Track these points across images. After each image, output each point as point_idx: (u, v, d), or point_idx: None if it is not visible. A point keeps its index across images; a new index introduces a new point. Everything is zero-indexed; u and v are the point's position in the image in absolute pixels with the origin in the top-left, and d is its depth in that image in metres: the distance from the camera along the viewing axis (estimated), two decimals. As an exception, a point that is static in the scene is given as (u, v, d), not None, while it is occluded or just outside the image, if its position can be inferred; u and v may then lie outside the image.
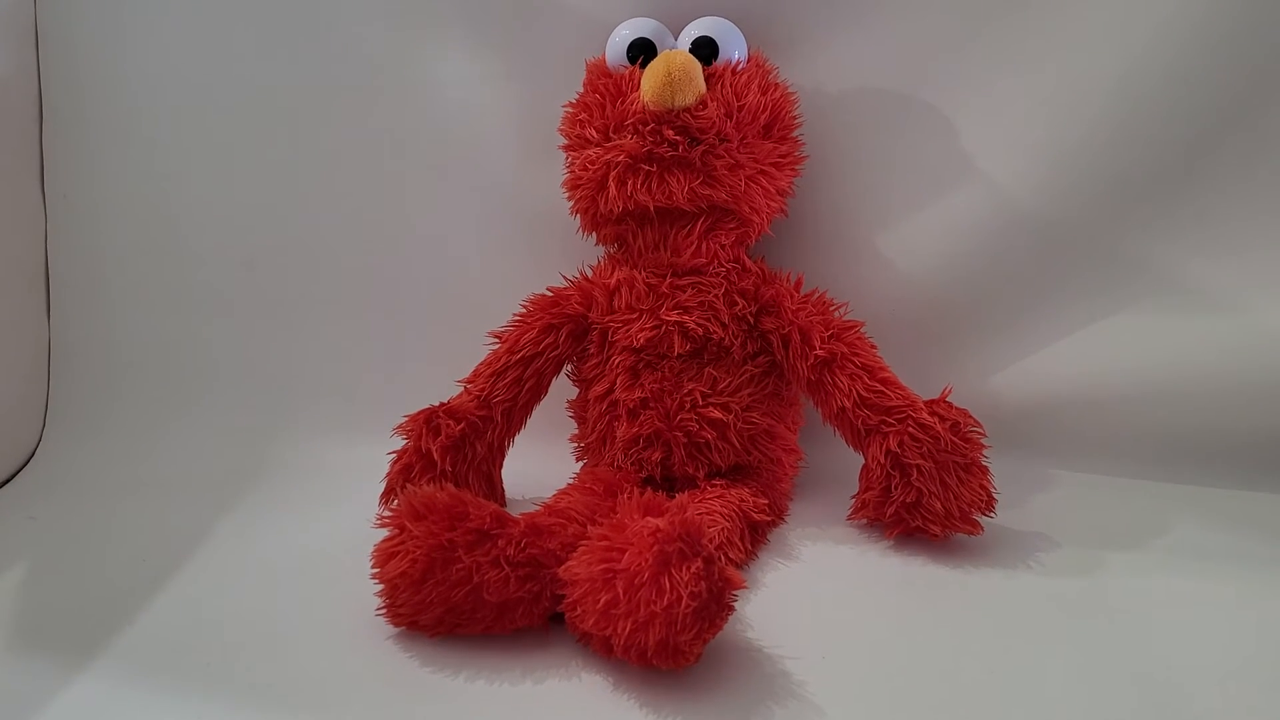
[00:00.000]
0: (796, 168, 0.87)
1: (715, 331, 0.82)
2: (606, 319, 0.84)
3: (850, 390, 0.80)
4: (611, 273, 0.86)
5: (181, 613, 0.71)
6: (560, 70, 0.90)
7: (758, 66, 0.85)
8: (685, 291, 0.83)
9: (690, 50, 0.83)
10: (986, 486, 0.77)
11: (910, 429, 0.77)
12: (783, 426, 0.86)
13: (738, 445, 0.83)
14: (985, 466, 0.77)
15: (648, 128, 0.80)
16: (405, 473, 0.83)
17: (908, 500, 0.77)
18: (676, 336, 0.82)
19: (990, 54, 0.90)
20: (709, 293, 0.83)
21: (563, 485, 0.82)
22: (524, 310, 0.87)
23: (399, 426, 0.84)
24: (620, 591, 0.58)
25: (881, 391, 0.80)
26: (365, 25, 0.97)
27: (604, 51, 0.86)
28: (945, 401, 0.79)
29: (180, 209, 1.01)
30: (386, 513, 0.67)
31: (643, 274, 0.84)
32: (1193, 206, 0.89)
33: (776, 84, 0.85)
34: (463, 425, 0.83)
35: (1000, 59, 0.89)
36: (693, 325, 0.81)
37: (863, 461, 0.81)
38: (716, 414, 0.81)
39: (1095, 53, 0.87)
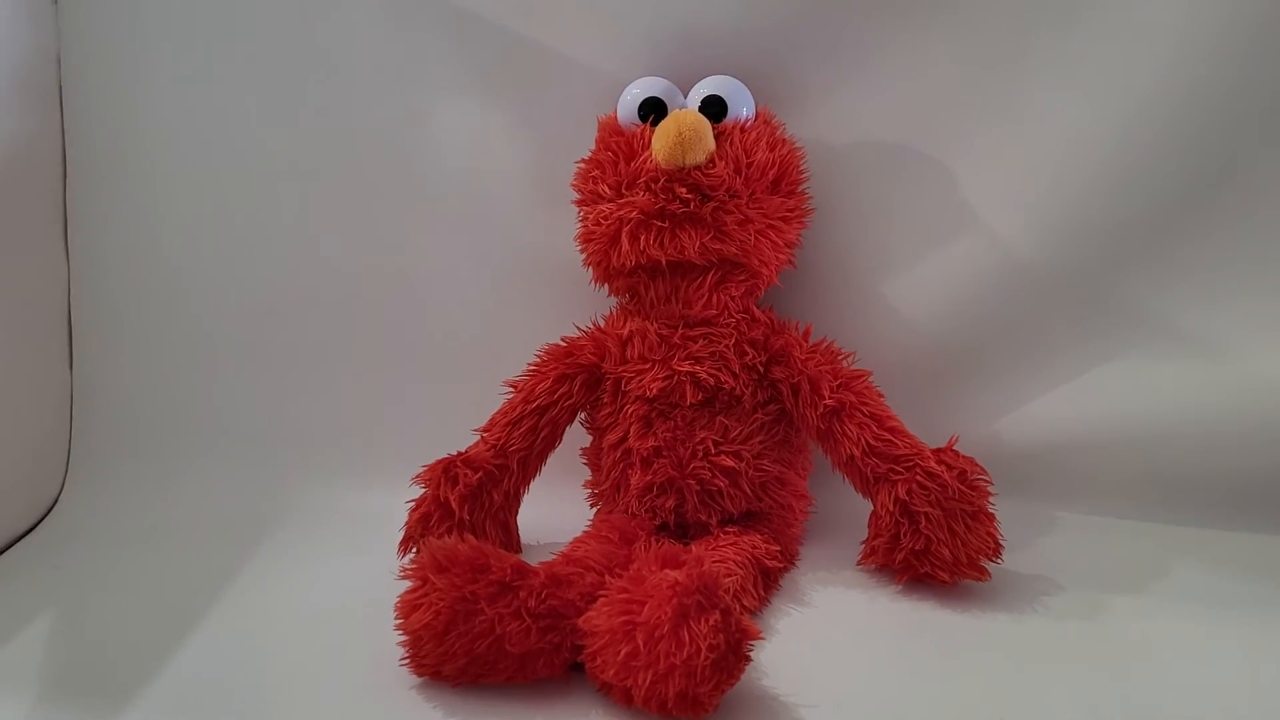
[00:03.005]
0: (804, 220, 0.89)
1: (726, 381, 0.83)
2: (620, 369, 0.86)
3: (859, 439, 0.81)
4: (624, 323, 0.87)
5: (207, 662, 0.71)
6: (572, 126, 0.92)
7: (765, 123, 0.86)
8: (696, 342, 0.84)
9: (700, 109, 0.85)
10: (994, 534, 0.78)
11: (918, 477, 0.78)
12: (793, 473, 0.87)
13: (749, 492, 0.84)
14: (992, 514, 0.78)
15: (660, 185, 0.81)
16: (424, 521, 0.84)
17: (916, 547, 0.78)
18: (689, 386, 0.83)
19: (990, 106, 0.91)
20: (720, 343, 0.84)
21: (578, 531, 0.83)
22: (538, 360, 0.89)
23: (417, 476, 0.85)
24: (640, 644, 0.60)
25: (889, 440, 0.81)
26: (379, 81, 0.99)
27: (614, 109, 0.88)
28: (952, 450, 0.80)
29: (199, 261, 1.03)
30: (408, 563, 0.68)
31: (655, 325, 0.85)
32: (1189, 254, 0.90)
33: (784, 140, 0.87)
34: (480, 474, 0.85)
35: (1000, 111, 0.91)
36: (704, 375, 0.83)
37: (871, 508, 0.83)
38: (728, 462, 0.82)
39: (1093, 105, 0.88)
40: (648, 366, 0.84)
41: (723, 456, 0.83)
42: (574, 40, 0.95)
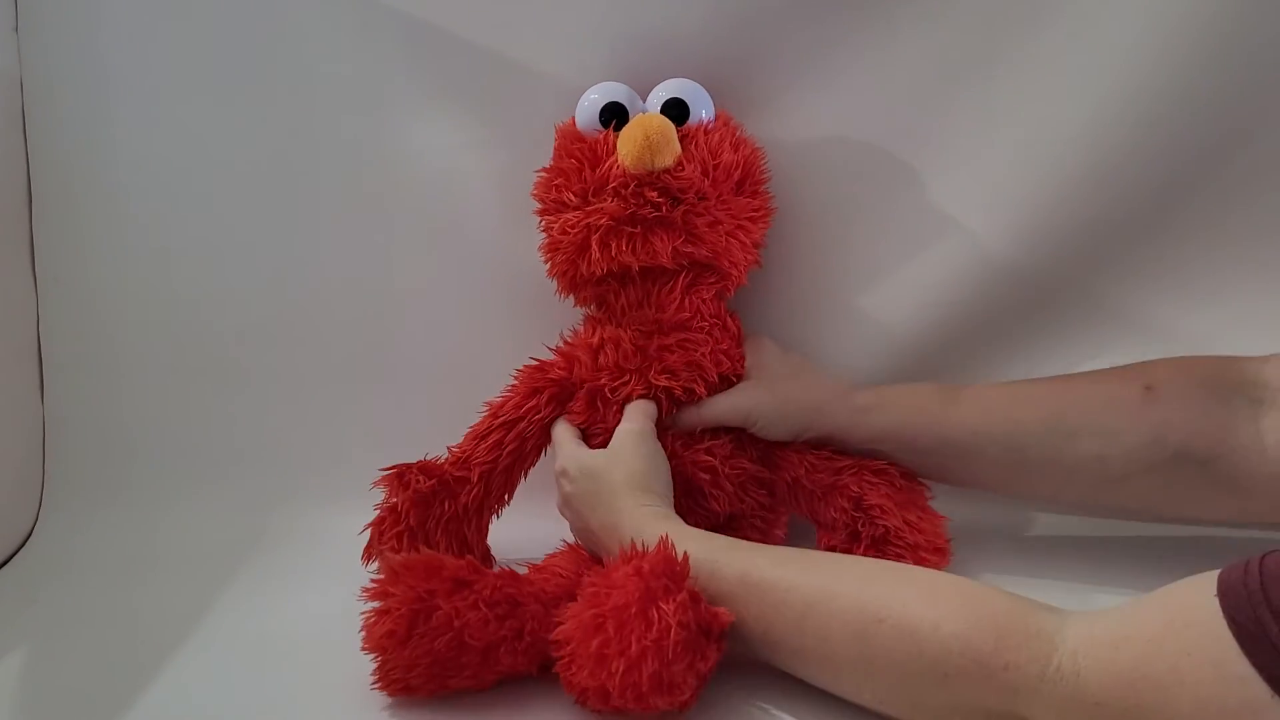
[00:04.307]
0: (768, 220, 0.88)
1: (700, 392, 0.84)
2: (596, 376, 0.85)
3: (800, 461, 0.84)
4: (594, 332, 0.87)
5: (183, 693, 0.72)
6: (539, 135, 0.90)
7: (725, 124, 0.86)
8: (673, 353, 0.84)
9: (660, 112, 0.85)
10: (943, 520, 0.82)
11: (867, 476, 0.82)
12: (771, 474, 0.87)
13: (731, 491, 0.84)
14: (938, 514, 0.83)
15: (629, 190, 0.81)
16: (379, 525, 0.84)
17: (875, 535, 0.80)
18: (665, 401, 0.83)
19: (960, 105, 0.91)
20: (696, 350, 0.84)
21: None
22: (514, 380, 0.88)
23: (376, 480, 0.85)
24: (611, 631, 0.60)
25: (831, 457, 0.84)
26: (346, 101, 0.98)
27: (573, 116, 0.87)
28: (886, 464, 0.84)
29: (170, 286, 1.02)
30: (370, 584, 0.69)
31: (629, 333, 0.85)
32: (1167, 254, 0.90)
33: (745, 140, 0.87)
34: (433, 482, 0.84)
35: (972, 112, 0.90)
36: (679, 391, 0.83)
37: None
38: (705, 458, 0.83)
39: (1065, 104, 0.88)
40: (625, 379, 0.84)
41: (698, 451, 0.83)
42: (531, 48, 0.94)
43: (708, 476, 0.83)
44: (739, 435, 0.85)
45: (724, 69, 0.90)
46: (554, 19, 0.93)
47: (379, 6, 0.94)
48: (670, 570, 0.61)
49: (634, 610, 0.59)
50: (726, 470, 0.84)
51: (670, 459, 0.82)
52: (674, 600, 0.59)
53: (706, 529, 0.81)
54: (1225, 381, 0.74)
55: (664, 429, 0.83)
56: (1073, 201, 0.89)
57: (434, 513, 0.84)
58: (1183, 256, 0.90)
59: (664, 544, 0.64)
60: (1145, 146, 0.87)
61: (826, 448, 0.85)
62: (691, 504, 0.83)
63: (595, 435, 0.85)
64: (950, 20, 0.90)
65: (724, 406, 0.83)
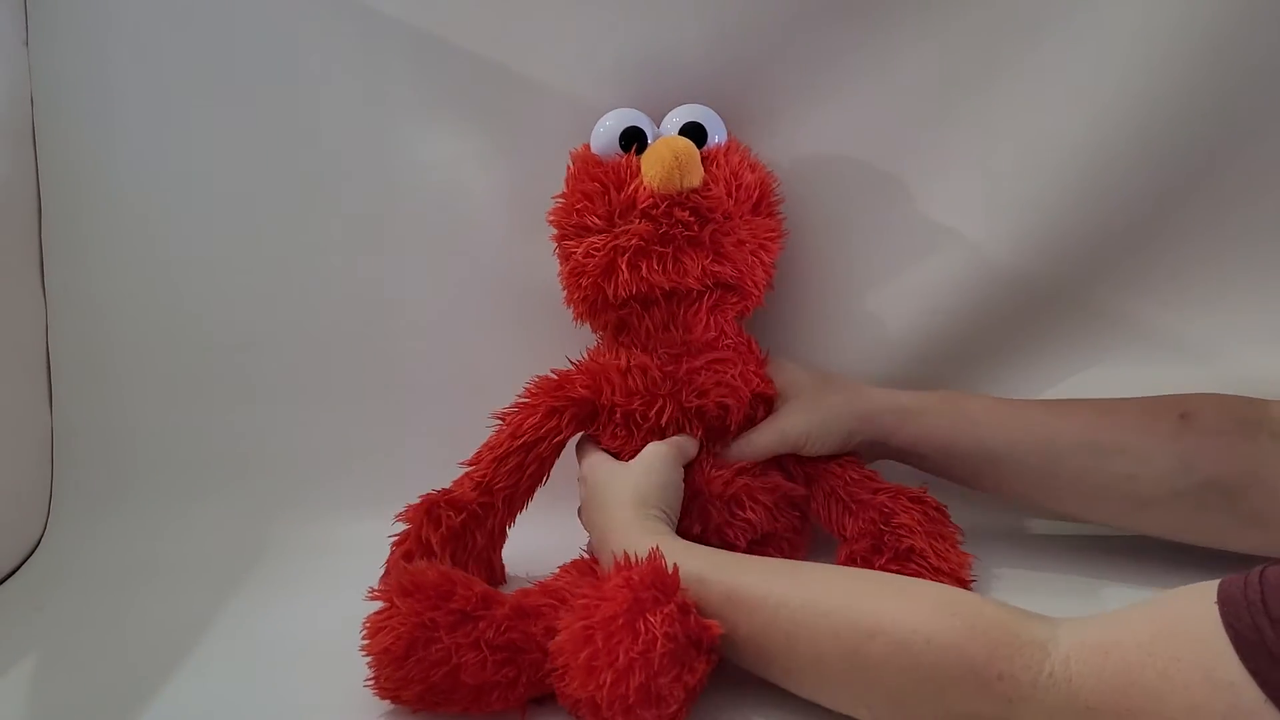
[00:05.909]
0: (781, 241, 0.89)
1: (732, 407, 0.83)
2: (627, 400, 0.83)
3: (843, 475, 0.84)
4: (619, 354, 0.86)
5: (190, 701, 0.72)
6: (547, 149, 0.90)
7: (737, 148, 0.87)
8: (702, 375, 0.84)
9: (679, 135, 0.85)
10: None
11: (903, 500, 0.81)
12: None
13: (768, 504, 0.83)
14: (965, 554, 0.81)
15: (660, 211, 0.81)
16: (407, 559, 0.82)
17: (900, 548, 0.79)
18: (698, 422, 0.83)
19: (963, 118, 0.91)
20: (727, 371, 0.84)
21: (569, 558, 0.82)
22: (528, 393, 0.86)
23: (400, 514, 0.83)
24: (599, 643, 0.59)
25: (871, 476, 0.85)
26: (352, 116, 0.99)
27: (585, 141, 0.88)
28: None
29: (178, 297, 1.02)
30: (378, 585, 0.69)
31: (656, 358, 0.85)
32: (1166, 261, 0.90)
33: (758, 163, 0.88)
34: (464, 516, 0.82)
35: (973, 123, 0.91)
36: (712, 407, 0.83)
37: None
38: (737, 477, 0.82)
39: (1064, 115, 0.88)
40: (658, 405, 0.83)
41: (730, 470, 0.83)
42: (545, 72, 0.94)
43: (743, 491, 0.82)
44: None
45: (731, 93, 0.91)
46: (566, 43, 0.94)
47: (386, 22, 0.95)
48: (659, 581, 0.61)
49: (621, 622, 0.59)
50: (759, 485, 0.83)
51: (706, 481, 0.82)
52: (662, 612, 0.59)
53: (743, 544, 0.82)
54: (1255, 418, 0.75)
55: (707, 453, 0.84)
56: (1073, 210, 0.90)
57: (465, 545, 0.83)
58: (1181, 263, 0.91)
59: (654, 555, 0.64)
60: (1143, 155, 0.88)
61: (871, 459, 0.87)
62: (729, 516, 0.82)
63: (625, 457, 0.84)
64: (950, 33, 0.90)
65: (771, 438, 0.84)
